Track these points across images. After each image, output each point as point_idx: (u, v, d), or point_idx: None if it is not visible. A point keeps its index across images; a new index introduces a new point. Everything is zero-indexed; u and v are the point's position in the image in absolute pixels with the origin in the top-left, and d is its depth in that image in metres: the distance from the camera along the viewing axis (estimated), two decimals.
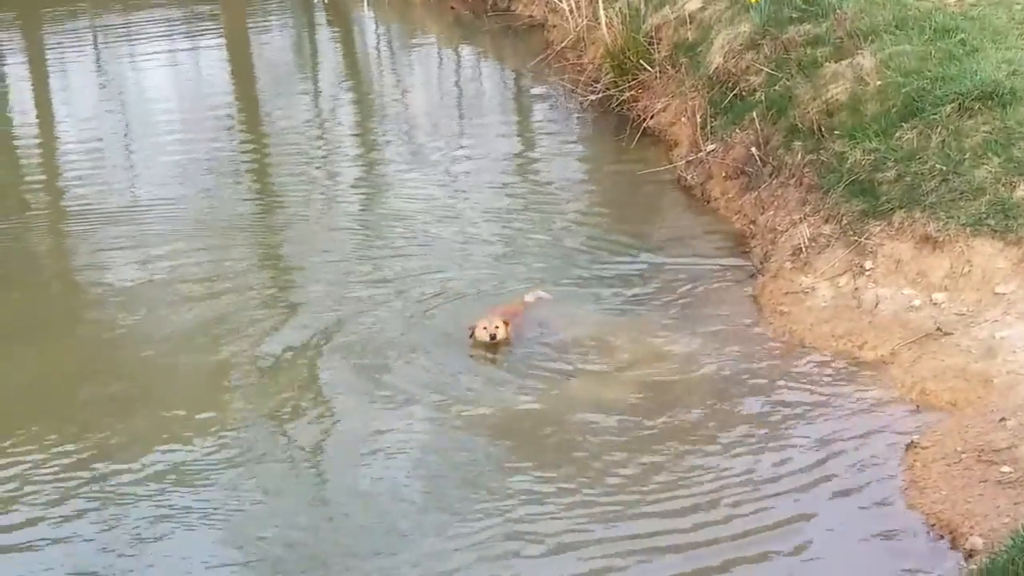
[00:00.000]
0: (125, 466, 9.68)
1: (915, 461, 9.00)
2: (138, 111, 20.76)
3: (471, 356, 11.13)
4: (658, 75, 16.95)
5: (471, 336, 11.18)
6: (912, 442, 9.22)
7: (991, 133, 11.57)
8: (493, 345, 11.08)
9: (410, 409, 10.35)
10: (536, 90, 19.84)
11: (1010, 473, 8.43)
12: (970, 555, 7.83)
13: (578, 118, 18.14)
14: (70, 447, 10.01)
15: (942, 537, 8.21)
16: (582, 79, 18.31)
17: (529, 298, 11.97)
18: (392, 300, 12.41)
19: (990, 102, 11.79)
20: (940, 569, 7.81)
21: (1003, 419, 9.01)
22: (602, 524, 8.68)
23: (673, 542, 8.46)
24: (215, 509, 9.10)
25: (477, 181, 16.03)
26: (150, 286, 13.15)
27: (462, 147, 17.57)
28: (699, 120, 15.24)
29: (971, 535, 7.98)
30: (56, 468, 9.72)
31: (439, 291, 12.54)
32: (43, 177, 17.93)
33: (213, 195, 16.21)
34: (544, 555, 8.42)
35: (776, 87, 14.21)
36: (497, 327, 11.10)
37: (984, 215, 10.97)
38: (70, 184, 17.09)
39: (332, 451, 9.88)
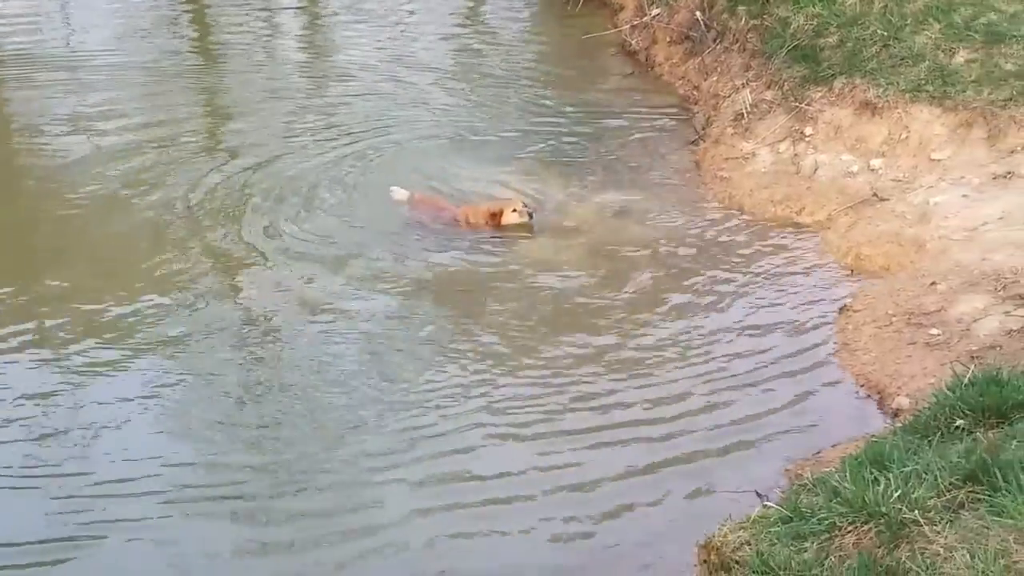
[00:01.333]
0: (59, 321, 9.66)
1: (847, 324, 9.16)
2: None
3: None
4: None
5: (471, 222, 10.90)
6: (845, 306, 9.38)
7: None
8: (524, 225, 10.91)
9: (354, 268, 10.38)
10: None
11: (938, 335, 8.60)
12: (896, 414, 8.02)
13: None
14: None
15: (870, 397, 8.40)
16: None
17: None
18: (333, 150, 12.46)
19: None
20: (867, 428, 7.99)
21: (933, 283, 9.18)
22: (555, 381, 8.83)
23: (621, 399, 8.58)
24: (157, 373, 9.10)
25: (423, 39, 16.02)
26: (85, 136, 13.05)
27: (409, 3, 17.48)
28: None
29: (898, 395, 8.17)
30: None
31: (380, 143, 12.64)
32: None
33: (151, 45, 16.17)
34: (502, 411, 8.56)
35: None
36: (526, 206, 10.97)
37: (923, 81, 11.04)
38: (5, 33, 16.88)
39: (274, 311, 9.88)
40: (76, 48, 16.34)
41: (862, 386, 8.53)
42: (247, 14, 17.63)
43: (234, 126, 13.54)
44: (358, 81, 14.62)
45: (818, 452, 7.82)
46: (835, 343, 9.04)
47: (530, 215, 10.88)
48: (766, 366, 8.92)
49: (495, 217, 10.90)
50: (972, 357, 8.09)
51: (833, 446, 7.82)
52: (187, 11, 17.94)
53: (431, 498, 7.55)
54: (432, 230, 10.93)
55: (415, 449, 8.01)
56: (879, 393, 8.38)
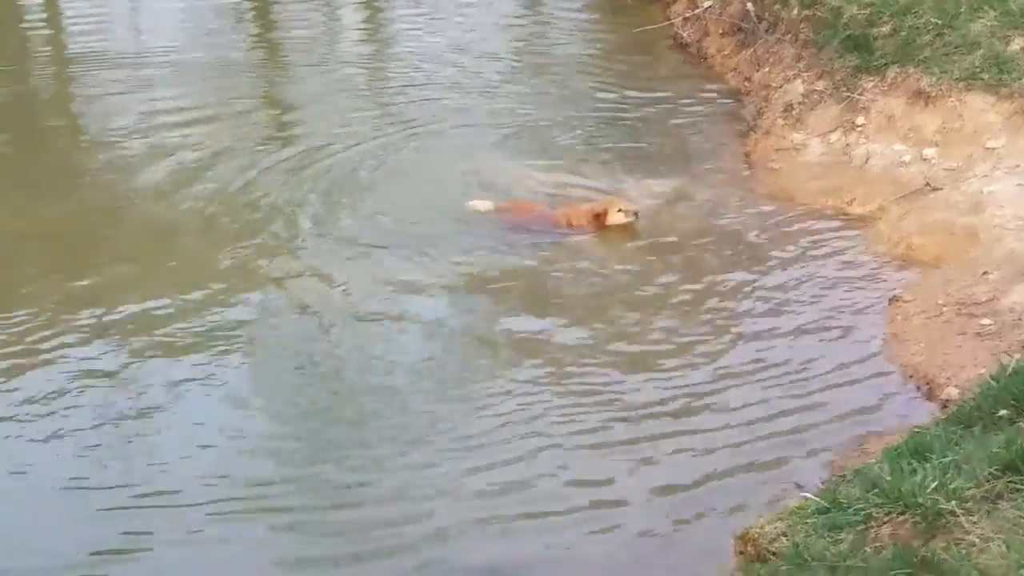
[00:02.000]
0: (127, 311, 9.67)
1: (897, 315, 9.04)
2: None
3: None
4: None
5: (573, 224, 10.62)
6: (895, 296, 9.25)
7: None
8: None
9: (414, 262, 10.31)
10: None
11: (989, 325, 8.47)
12: (945, 405, 7.89)
13: None
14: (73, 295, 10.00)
15: (919, 388, 8.28)
16: None
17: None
18: (391, 144, 12.51)
19: None
20: (915, 419, 7.87)
21: (985, 272, 9.03)
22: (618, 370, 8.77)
23: (682, 380, 8.55)
24: (217, 365, 9.08)
25: (481, 30, 16.12)
26: (151, 129, 13.18)
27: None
28: None
29: (947, 386, 8.04)
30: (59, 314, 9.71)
31: (438, 133, 12.76)
32: (48, 30, 17.75)
33: (216, 41, 16.33)
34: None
35: None
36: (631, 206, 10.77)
37: (978, 69, 10.88)
38: (73, 33, 17.10)
39: (325, 311, 9.88)
40: (143, 46, 16.51)
41: (911, 377, 8.41)
42: (310, 8, 17.77)
43: (295, 120, 13.59)
44: (419, 72, 14.71)
45: (863, 444, 7.71)
46: (884, 334, 8.92)
47: (635, 214, 10.61)
48: (815, 357, 8.81)
49: (599, 218, 10.59)
50: (1023, 347, 7.95)
51: (879, 437, 7.71)
52: (251, 7, 18.13)
53: (485, 510, 7.39)
54: (487, 228, 10.79)
55: (468, 460, 7.83)
56: (928, 384, 8.25)
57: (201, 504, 7.45)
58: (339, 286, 9.90)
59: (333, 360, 9.02)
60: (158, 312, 9.56)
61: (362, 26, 17.39)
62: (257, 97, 14.39)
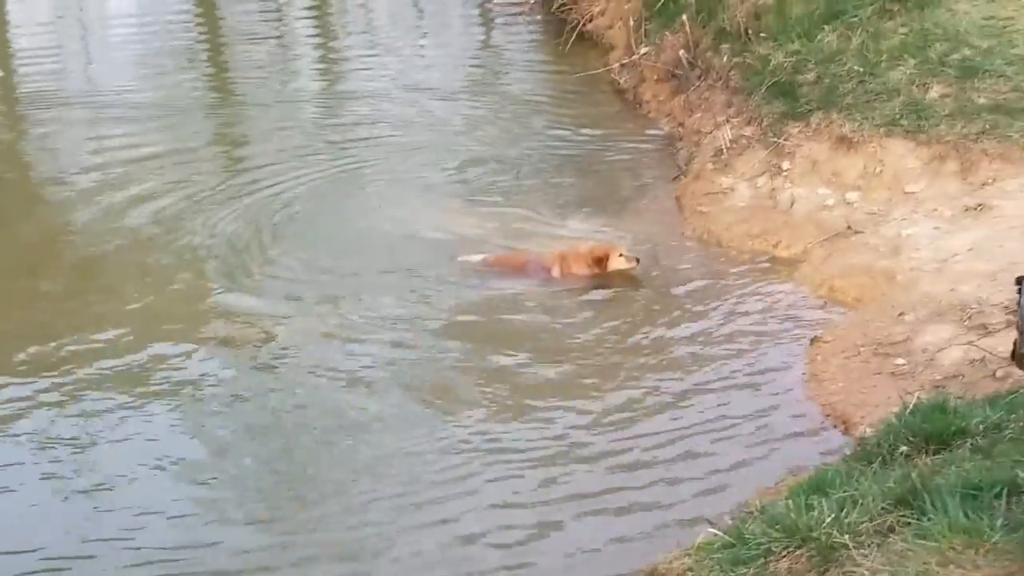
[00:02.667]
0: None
1: (817, 355, 9.27)
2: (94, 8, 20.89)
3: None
4: None
5: (570, 272, 10.60)
6: (816, 337, 9.50)
7: (908, 35, 11.78)
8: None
9: (362, 305, 10.50)
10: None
11: (903, 365, 8.71)
12: (862, 444, 8.11)
13: (519, 21, 18.25)
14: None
15: (835, 426, 8.51)
16: None
17: None
18: (342, 182, 12.87)
19: (909, 3, 12.02)
20: (830, 457, 8.08)
21: (902, 314, 9.29)
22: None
23: (604, 419, 8.77)
24: (144, 411, 9.18)
25: (431, 71, 16.53)
26: (100, 168, 13.37)
27: (416, 44, 17.89)
28: (633, 23, 15.34)
29: (862, 424, 8.26)
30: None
31: (387, 172, 13.12)
32: None
33: (169, 79, 16.62)
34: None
35: None
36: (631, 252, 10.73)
37: (898, 116, 11.20)
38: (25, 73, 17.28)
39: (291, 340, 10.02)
40: (95, 86, 16.75)
41: (828, 416, 8.64)
42: (263, 49, 18.03)
43: (244, 159, 13.93)
44: (370, 110, 15.11)
45: (780, 482, 7.91)
46: (804, 373, 9.16)
47: (637, 261, 10.57)
48: (736, 397, 9.04)
49: (600, 263, 10.55)
50: (935, 386, 8.20)
51: (795, 475, 7.91)
52: (204, 46, 18.40)
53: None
54: (427, 272, 10.98)
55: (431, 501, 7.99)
56: (844, 423, 8.48)
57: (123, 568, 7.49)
58: (276, 328, 10.05)
59: (269, 408, 9.11)
60: (87, 351, 9.70)
61: (315, 65, 17.69)
62: (207, 136, 14.70)
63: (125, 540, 7.69)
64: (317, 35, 19.00)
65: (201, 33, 19.14)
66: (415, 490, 8.09)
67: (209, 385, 9.35)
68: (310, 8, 20.48)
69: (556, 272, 10.66)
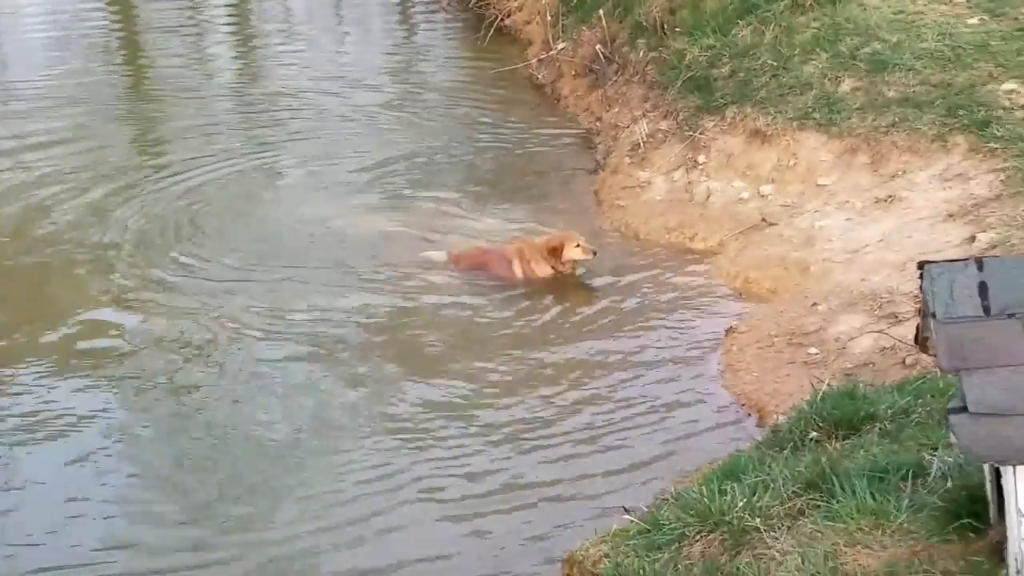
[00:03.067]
0: None
1: (732, 345, 9.41)
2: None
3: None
4: None
5: (528, 267, 10.50)
6: (731, 327, 9.63)
7: (821, 29, 11.94)
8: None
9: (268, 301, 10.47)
10: None
11: (816, 354, 8.87)
12: (774, 431, 8.25)
13: (437, 16, 18.28)
14: None
15: (750, 415, 8.64)
16: None
17: None
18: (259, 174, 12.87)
19: None
20: (745, 445, 8.21)
21: (814, 304, 9.45)
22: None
23: (506, 420, 8.80)
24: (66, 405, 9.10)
25: (351, 66, 16.47)
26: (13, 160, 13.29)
27: (335, 37, 17.82)
28: (550, 19, 15.42)
29: (776, 412, 8.40)
30: None
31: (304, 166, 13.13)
32: None
33: (83, 72, 16.41)
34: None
35: None
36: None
37: (810, 109, 11.36)
38: None
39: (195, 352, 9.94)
40: (8, 77, 16.52)
41: (743, 405, 8.78)
42: (180, 42, 17.89)
43: (161, 153, 13.83)
44: (287, 104, 15.04)
45: (697, 470, 8.01)
46: (720, 364, 9.29)
47: (594, 253, 10.46)
48: (652, 388, 9.16)
49: (555, 252, 10.44)
50: (846, 374, 8.35)
51: (711, 463, 8.02)
52: (119, 38, 18.20)
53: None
54: (347, 265, 10.97)
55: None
56: (759, 411, 8.63)
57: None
58: (188, 324, 10.00)
59: (186, 407, 9.07)
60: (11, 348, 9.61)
61: (235, 59, 17.57)
62: (123, 130, 14.55)
63: (43, 543, 7.64)
64: (234, 26, 18.84)
65: (115, 23, 18.92)
66: (335, 487, 8.11)
67: (130, 378, 9.32)
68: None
69: (517, 269, 10.57)
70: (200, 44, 18.14)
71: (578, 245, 10.52)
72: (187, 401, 9.09)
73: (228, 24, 19.01)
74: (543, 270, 10.58)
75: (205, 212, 12.04)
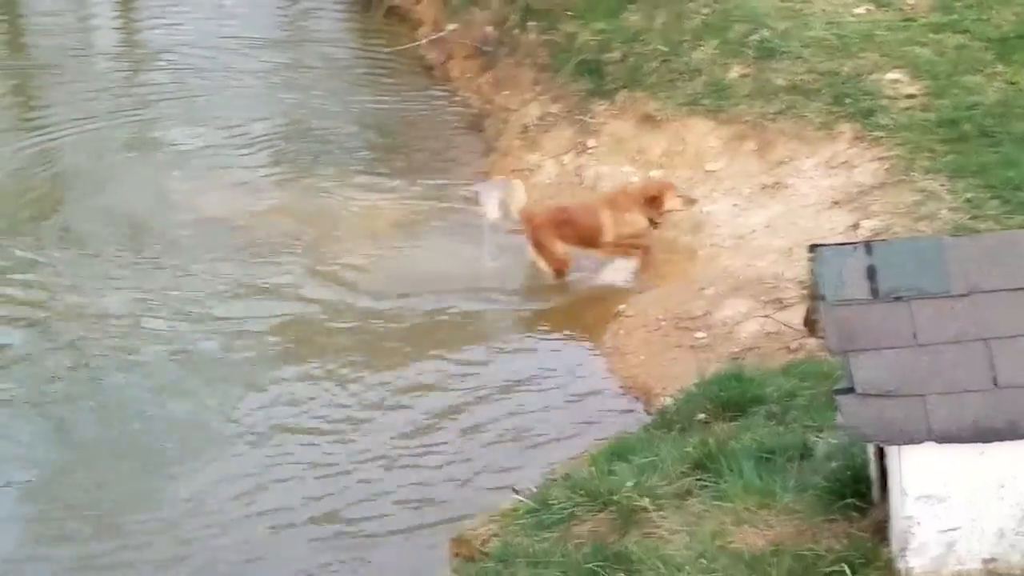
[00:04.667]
0: None
1: (619, 329, 9.46)
2: None
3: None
4: None
5: (628, 211, 9.89)
6: (618, 311, 9.68)
7: (710, 15, 12.04)
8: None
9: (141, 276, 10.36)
10: None
11: (703, 338, 8.96)
12: (662, 413, 8.32)
13: None
14: None
15: (638, 398, 8.71)
16: None
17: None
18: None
19: None
20: (633, 428, 8.26)
21: (702, 288, 9.54)
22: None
23: (413, 401, 8.81)
24: None
25: (224, 53, 16.03)
26: None
27: (219, 17, 17.50)
28: None
29: (662, 396, 8.47)
30: None
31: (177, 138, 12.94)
32: None
33: None
34: None
35: None
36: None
37: (700, 95, 11.43)
38: None
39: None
40: None
41: (630, 388, 8.85)
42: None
43: (34, 119, 13.50)
44: (168, 74, 14.73)
45: (585, 451, 8.05)
46: (608, 347, 9.34)
47: (693, 201, 9.95)
48: (541, 370, 9.20)
49: (655, 201, 9.78)
50: (733, 358, 8.44)
51: (599, 445, 8.05)
52: None
53: None
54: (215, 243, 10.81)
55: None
56: (645, 394, 8.69)
57: None
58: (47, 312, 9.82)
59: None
60: None
61: (115, 18, 17.15)
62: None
63: None
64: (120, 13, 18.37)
65: None
66: (223, 487, 8.01)
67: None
68: None
69: (607, 220, 9.78)
70: (80, 3, 17.70)
71: (678, 195, 10.08)
72: (51, 411, 8.84)
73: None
74: (638, 222, 9.98)
75: (70, 186, 11.85)
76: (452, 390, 8.93)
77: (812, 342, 7.55)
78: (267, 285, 10.31)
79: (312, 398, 8.83)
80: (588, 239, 10.03)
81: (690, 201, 10.11)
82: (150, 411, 8.73)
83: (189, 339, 9.55)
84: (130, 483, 7.98)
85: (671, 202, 10.06)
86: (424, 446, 8.31)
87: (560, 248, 10.01)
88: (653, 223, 10.06)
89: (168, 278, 10.35)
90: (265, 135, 13.12)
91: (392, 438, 8.39)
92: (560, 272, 10.09)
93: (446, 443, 8.38)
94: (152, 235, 11.05)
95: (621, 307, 9.71)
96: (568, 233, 10.03)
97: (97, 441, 8.48)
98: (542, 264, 10.13)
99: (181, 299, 10.06)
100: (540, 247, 10.11)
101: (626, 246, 10.00)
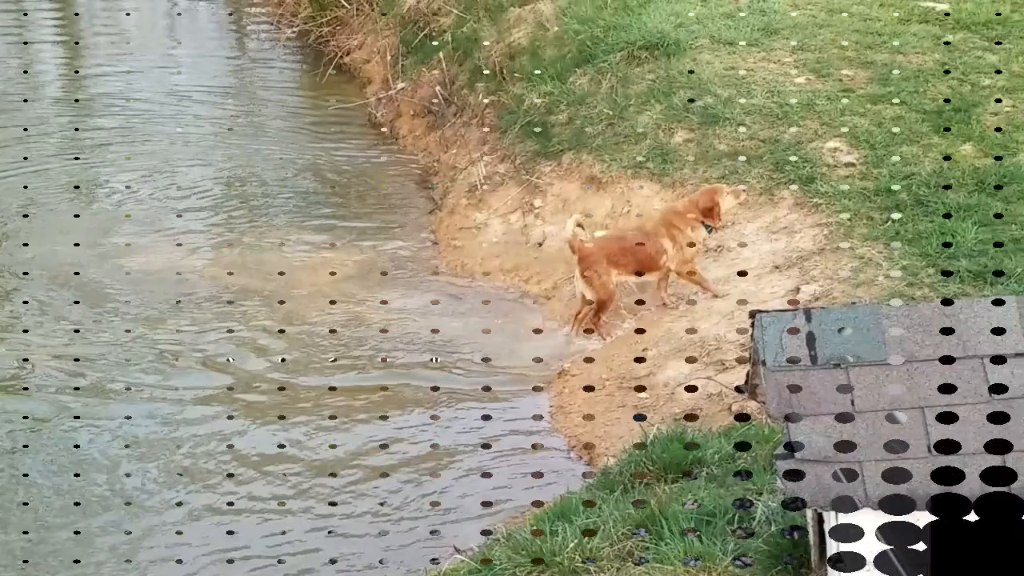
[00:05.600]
0: None
1: (563, 388, 9.55)
2: None
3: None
4: (355, 12, 17.09)
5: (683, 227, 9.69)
6: (562, 370, 9.76)
7: (655, 81, 12.23)
8: None
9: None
10: (235, 23, 19.72)
11: (645, 399, 9.05)
12: (604, 473, 8.38)
13: (275, 52, 18.14)
14: None
15: (581, 458, 8.77)
16: (281, 12, 18.29)
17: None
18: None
19: (656, 51, 12.45)
20: (575, 487, 8.33)
21: (645, 350, 9.64)
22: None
23: (350, 448, 8.95)
24: None
25: (173, 101, 16.10)
26: None
27: (169, 72, 17.55)
28: (391, 58, 15.48)
29: (606, 455, 8.54)
30: None
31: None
32: None
33: None
34: None
35: (463, 29, 14.59)
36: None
37: (644, 159, 11.61)
38: None
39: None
40: None
41: (573, 447, 8.91)
42: (3, 44, 17.43)
43: None
44: (113, 128, 14.78)
45: (528, 511, 8.09)
46: (551, 406, 9.41)
47: (744, 192, 9.86)
48: (485, 427, 9.22)
49: (710, 212, 9.67)
50: (675, 419, 8.53)
51: (541, 505, 8.10)
52: None
53: None
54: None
55: None
56: (589, 454, 8.76)
57: None
58: None
59: None
60: None
61: (61, 66, 17.16)
62: None
63: None
64: (62, 29, 18.42)
65: None
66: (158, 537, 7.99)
67: None
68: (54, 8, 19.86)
69: (667, 244, 9.64)
70: (26, 51, 17.68)
71: (729, 192, 9.93)
72: None
73: (55, 29, 18.58)
74: (699, 235, 9.84)
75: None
76: (392, 452, 8.96)
77: (753, 404, 7.67)
78: (199, 350, 10.31)
79: (233, 455, 8.86)
80: (648, 265, 9.88)
81: (739, 193, 9.98)
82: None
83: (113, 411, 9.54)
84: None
85: (726, 203, 9.93)
86: (365, 510, 8.33)
87: (614, 279, 9.84)
88: (713, 230, 9.99)
89: (95, 336, 10.34)
90: (209, 184, 13.24)
91: (328, 504, 8.42)
92: (605, 306, 9.88)
93: (384, 504, 8.41)
94: (84, 289, 11.01)
95: (565, 365, 9.80)
96: (626, 261, 9.86)
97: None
98: (589, 295, 9.92)
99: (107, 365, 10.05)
100: (590, 279, 9.93)
101: (687, 273, 9.92)
